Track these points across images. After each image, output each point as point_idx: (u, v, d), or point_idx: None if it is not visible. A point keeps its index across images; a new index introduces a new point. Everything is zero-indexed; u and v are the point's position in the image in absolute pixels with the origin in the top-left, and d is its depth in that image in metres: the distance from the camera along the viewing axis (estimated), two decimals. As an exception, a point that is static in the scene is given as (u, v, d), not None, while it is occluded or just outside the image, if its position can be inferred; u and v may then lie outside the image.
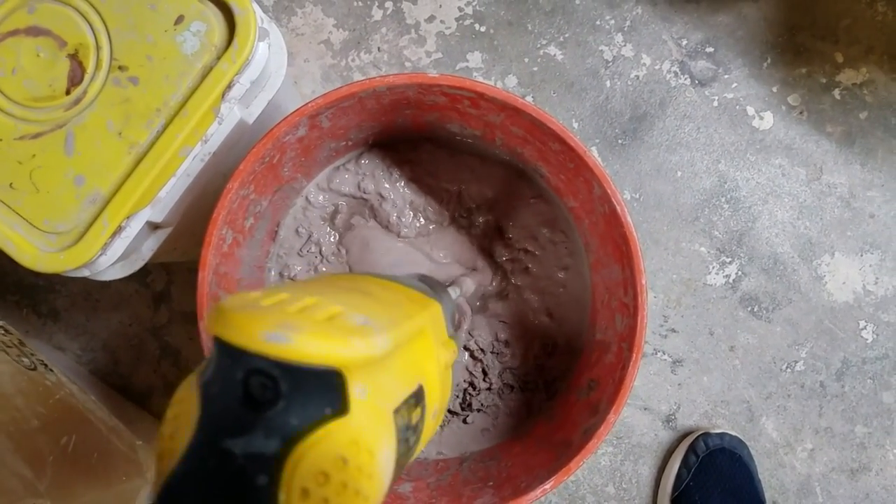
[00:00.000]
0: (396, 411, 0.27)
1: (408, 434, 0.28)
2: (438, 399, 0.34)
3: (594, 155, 0.67)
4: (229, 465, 0.21)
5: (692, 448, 0.80)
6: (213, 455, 0.22)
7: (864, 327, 0.83)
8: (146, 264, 0.59)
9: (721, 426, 0.82)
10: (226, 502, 0.21)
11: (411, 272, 0.59)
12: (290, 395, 0.22)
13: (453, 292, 0.51)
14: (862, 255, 0.83)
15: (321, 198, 0.66)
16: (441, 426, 0.66)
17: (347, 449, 0.23)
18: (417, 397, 0.30)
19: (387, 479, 0.25)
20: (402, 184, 0.66)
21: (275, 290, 0.26)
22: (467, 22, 0.83)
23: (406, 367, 0.29)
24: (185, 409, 0.23)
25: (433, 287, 0.40)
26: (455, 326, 0.41)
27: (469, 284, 0.58)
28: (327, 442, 0.22)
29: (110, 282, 0.82)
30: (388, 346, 0.26)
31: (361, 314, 0.26)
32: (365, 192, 0.66)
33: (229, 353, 0.22)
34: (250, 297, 0.24)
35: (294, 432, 0.22)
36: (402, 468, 0.29)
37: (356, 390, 0.24)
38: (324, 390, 0.23)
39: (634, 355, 0.52)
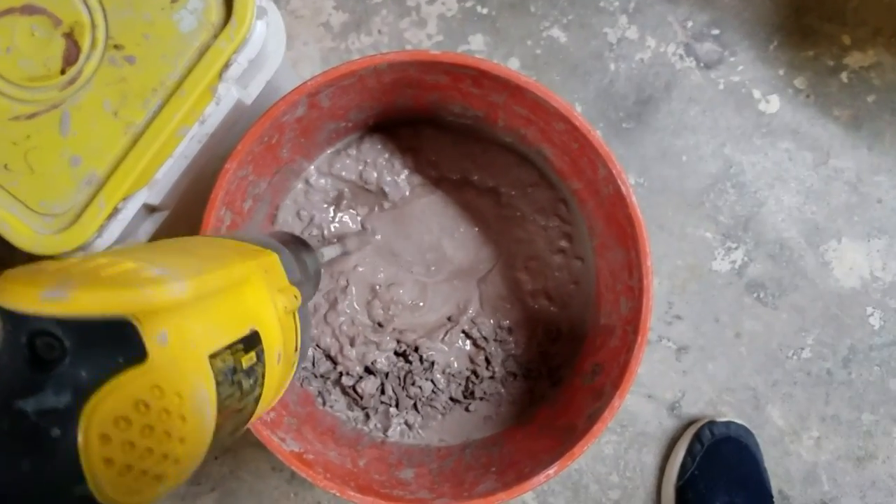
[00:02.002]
0: (215, 355, 0.27)
1: (237, 377, 0.29)
2: (280, 343, 0.34)
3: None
4: (23, 423, 0.22)
5: (697, 436, 0.79)
6: (6, 416, 0.22)
7: (872, 313, 0.82)
8: (144, 248, 0.58)
9: (726, 414, 0.81)
10: (23, 458, 0.22)
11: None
12: (77, 350, 0.23)
13: (331, 250, 0.55)
14: (869, 241, 0.82)
15: (322, 181, 0.65)
16: (442, 414, 0.65)
17: (148, 393, 0.23)
18: (249, 342, 0.31)
19: (207, 419, 0.26)
20: (405, 175, 0.65)
21: (74, 258, 0.26)
22: (469, 4, 0.82)
23: (227, 313, 0.30)
24: None
25: (284, 241, 0.42)
26: (309, 277, 0.44)
27: (329, 250, 0.58)
28: (124, 389, 0.23)
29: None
30: (188, 292, 0.27)
31: (160, 267, 0.27)
32: (367, 183, 0.65)
33: (11, 320, 0.23)
34: (38, 264, 0.25)
35: (86, 384, 0.22)
36: (246, 412, 0.31)
37: (156, 337, 0.24)
38: (113, 341, 0.23)
39: (640, 338, 0.51)
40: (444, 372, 0.65)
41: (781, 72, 0.82)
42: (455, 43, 0.82)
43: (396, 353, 0.66)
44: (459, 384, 0.65)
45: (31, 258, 0.52)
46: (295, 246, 0.44)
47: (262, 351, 0.32)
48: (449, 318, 0.66)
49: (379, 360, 0.64)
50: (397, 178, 0.65)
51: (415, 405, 0.65)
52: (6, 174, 0.53)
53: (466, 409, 0.66)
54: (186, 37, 0.52)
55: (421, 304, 0.66)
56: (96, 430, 0.22)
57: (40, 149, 0.52)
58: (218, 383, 0.27)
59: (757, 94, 0.82)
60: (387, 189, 0.65)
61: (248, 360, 0.30)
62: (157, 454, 0.24)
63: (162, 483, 0.25)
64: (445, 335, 0.65)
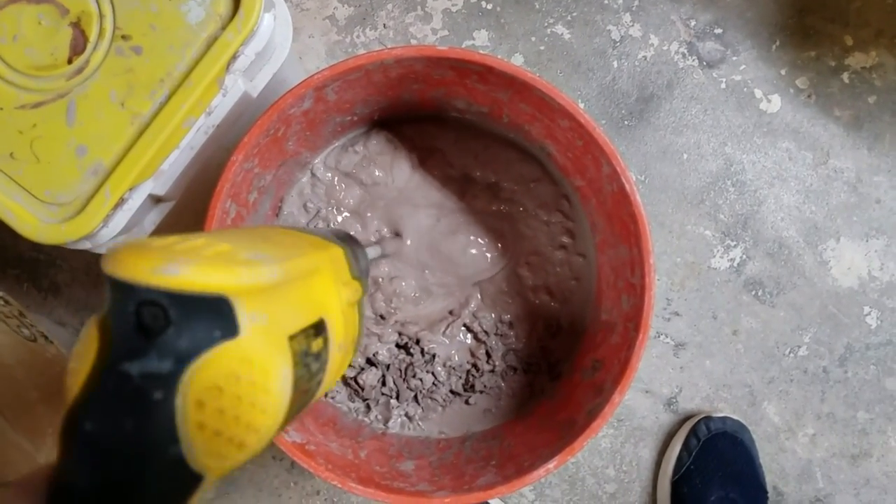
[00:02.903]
0: (293, 338, 0.30)
1: (308, 360, 0.31)
2: (342, 333, 0.37)
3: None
4: (127, 385, 0.24)
5: (693, 431, 0.79)
6: (112, 377, 0.24)
7: (869, 313, 0.82)
8: (148, 239, 0.58)
9: (723, 410, 0.82)
10: (126, 416, 0.23)
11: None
12: (180, 321, 0.24)
13: (373, 251, 0.58)
14: (867, 241, 0.82)
15: (329, 175, 0.65)
16: (442, 406, 0.66)
17: (240, 366, 0.25)
18: (318, 328, 0.33)
19: (285, 395, 0.28)
20: (409, 172, 0.66)
21: (172, 235, 0.28)
22: (474, -1, 0.82)
23: (303, 300, 0.33)
24: (86, 344, 0.25)
25: (343, 238, 0.44)
26: (364, 273, 0.46)
27: (373, 250, 0.62)
28: (219, 361, 0.25)
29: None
30: (279, 275, 0.29)
31: (252, 252, 0.29)
32: (372, 178, 0.65)
33: (122, 289, 0.24)
34: (140, 240, 0.26)
35: (186, 353, 0.24)
36: (310, 394, 0.33)
37: (247, 316, 0.26)
38: (213, 316, 0.25)
39: (641, 335, 0.52)
40: (444, 365, 0.65)
41: (783, 72, 0.82)
42: (460, 38, 0.82)
43: (398, 346, 0.66)
44: (460, 377, 0.66)
45: (36, 247, 0.53)
46: (351, 243, 0.46)
47: (328, 339, 0.34)
48: (450, 312, 0.67)
49: (380, 351, 0.65)
50: (402, 174, 0.65)
51: (415, 397, 0.65)
52: (12, 163, 0.53)
53: (466, 402, 0.66)
54: (194, 28, 0.53)
55: (423, 297, 0.67)
56: (193, 396, 0.24)
57: (46, 138, 0.53)
58: (294, 363, 0.29)
59: (758, 93, 0.82)
60: (391, 184, 0.65)
61: (316, 345, 0.33)
62: (242, 423, 0.26)
63: (242, 451, 0.26)
64: (447, 328, 0.66)
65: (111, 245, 0.25)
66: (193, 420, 0.24)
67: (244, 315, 0.26)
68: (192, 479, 0.25)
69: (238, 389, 0.25)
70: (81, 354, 0.25)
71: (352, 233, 0.62)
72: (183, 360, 0.24)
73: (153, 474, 0.24)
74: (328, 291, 0.36)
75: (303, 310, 0.32)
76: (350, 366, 0.65)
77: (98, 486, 0.24)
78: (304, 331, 0.31)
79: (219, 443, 0.25)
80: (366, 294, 0.46)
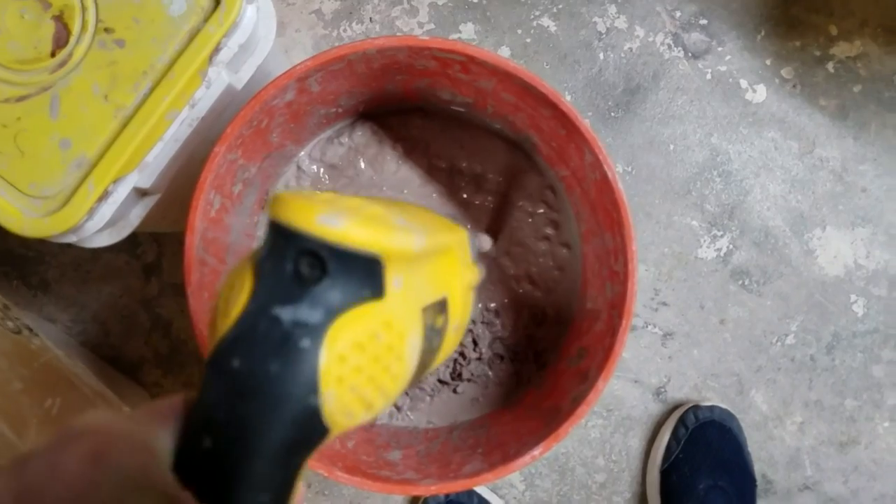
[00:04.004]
0: (424, 310, 0.30)
1: (432, 334, 0.32)
2: (460, 314, 0.38)
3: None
4: (278, 329, 0.24)
5: (682, 420, 0.80)
6: (264, 320, 0.25)
7: (855, 301, 0.83)
8: (137, 235, 0.58)
9: (711, 399, 0.82)
10: (273, 360, 0.24)
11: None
12: (335, 275, 0.25)
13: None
14: (853, 229, 0.83)
15: (314, 167, 0.65)
16: (430, 396, 0.66)
17: (381, 327, 0.26)
18: (442, 305, 0.34)
19: (412, 364, 0.29)
20: (396, 163, 0.66)
21: (328, 193, 0.29)
22: (460, -8, 0.82)
23: (435, 275, 0.33)
24: (239, 282, 0.26)
25: (467, 226, 0.46)
26: (480, 259, 0.48)
27: (485, 240, 0.64)
28: (365, 319, 0.25)
29: (101, 253, 0.81)
30: (423, 246, 0.30)
31: (400, 218, 0.30)
32: (358, 170, 0.65)
33: (284, 234, 0.25)
34: (305, 192, 0.27)
35: (336, 307, 0.25)
36: (425, 368, 0.33)
37: (393, 280, 0.27)
38: (365, 274, 0.26)
39: (624, 322, 0.52)
40: (431, 355, 0.66)
41: (768, 62, 0.83)
42: (446, 31, 0.82)
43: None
44: (447, 366, 0.66)
45: (24, 244, 0.53)
46: (472, 232, 0.48)
47: (448, 318, 0.35)
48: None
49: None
50: (388, 166, 0.66)
51: (403, 388, 0.66)
52: (-4, 157, 0.53)
53: (454, 391, 0.66)
54: (176, 20, 0.53)
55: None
56: (337, 349, 0.25)
57: (30, 131, 0.53)
58: (423, 335, 0.30)
59: (744, 83, 0.82)
60: (377, 177, 0.66)
61: (440, 321, 0.34)
62: (375, 383, 0.26)
63: (369, 411, 0.27)
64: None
65: (277, 194, 0.26)
66: (335, 373, 0.25)
67: (391, 278, 0.27)
68: (321, 431, 0.26)
69: (377, 350, 0.26)
70: (233, 292, 0.26)
71: None
72: (332, 313, 0.25)
73: (289, 417, 0.24)
74: (454, 271, 0.37)
75: (434, 285, 0.33)
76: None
77: (236, 421, 0.24)
78: (434, 305, 0.32)
79: (352, 399, 0.26)
80: (482, 279, 0.46)
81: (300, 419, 0.25)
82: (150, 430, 0.25)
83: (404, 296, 0.28)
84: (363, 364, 0.25)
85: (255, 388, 0.24)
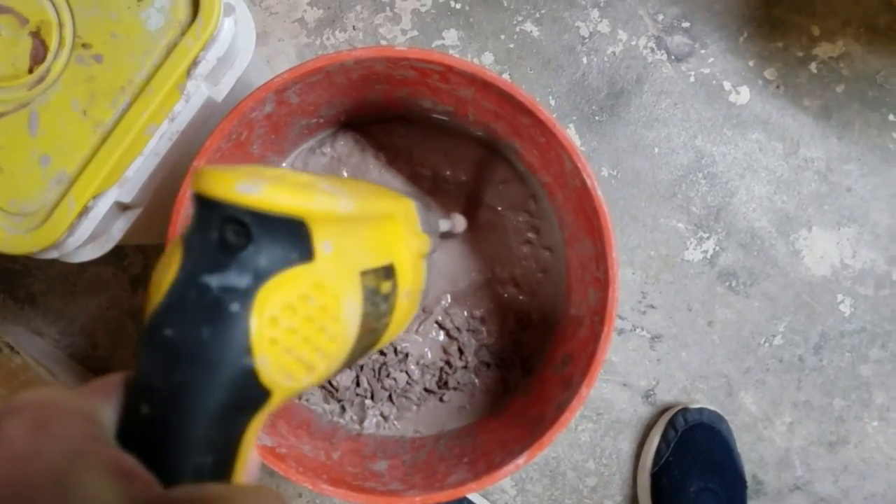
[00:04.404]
0: (364, 274, 0.31)
1: (377, 299, 0.33)
2: (411, 281, 0.39)
3: (566, 129, 0.67)
4: (207, 296, 0.25)
5: (671, 423, 0.80)
6: (193, 288, 0.25)
7: (842, 301, 0.83)
8: (122, 247, 0.58)
9: (700, 401, 0.83)
10: (204, 325, 0.25)
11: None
12: (260, 240, 0.25)
13: (446, 223, 0.60)
14: (839, 229, 0.83)
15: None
16: (417, 405, 0.66)
17: (313, 290, 0.27)
18: (387, 271, 0.35)
19: (352, 325, 0.30)
20: (378, 173, 0.66)
21: (252, 165, 0.29)
22: (442, -1, 0.82)
23: (375, 241, 0.35)
24: (170, 258, 0.26)
25: (417, 197, 0.47)
26: (434, 231, 0.48)
27: (459, 220, 0.64)
28: (294, 281, 0.26)
29: (87, 266, 0.81)
30: (351, 210, 0.30)
31: (330, 185, 0.30)
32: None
33: (207, 205, 0.25)
34: (229, 166, 0.28)
35: (264, 271, 0.25)
36: (376, 334, 0.35)
37: (322, 244, 0.27)
38: (291, 238, 0.26)
39: (606, 328, 0.52)
40: (418, 363, 0.66)
41: (751, 63, 0.83)
42: (429, 38, 0.82)
43: (371, 346, 0.66)
44: (433, 375, 0.66)
45: (10, 258, 0.53)
46: (424, 203, 0.48)
47: (397, 284, 0.36)
48: (423, 309, 0.67)
49: (353, 353, 0.65)
50: (371, 174, 0.66)
51: (390, 396, 0.66)
52: (-24, 174, 0.53)
53: (441, 400, 0.66)
54: (153, 35, 0.53)
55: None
56: (268, 311, 0.25)
57: (9, 148, 0.53)
58: (364, 298, 0.31)
59: (727, 85, 0.83)
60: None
61: (385, 287, 0.35)
62: (312, 344, 0.27)
63: (311, 373, 0.27)
64: (419, 326, 0.66)
65: (200, 168, 0.26)
66: (267, 335, 0.25)
67: (320, 242, 0.27)
68: (262, 393, 0.26)
69: (310, 311, 0.27)
70: (165, 267, 0.26)
71: None
72: (260, 277, 0.25)
73: (225, 380, 0.25)
74: (399, 238, 0.39)
75: (375, 250, 0.34)
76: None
77: (174, 386, 0.25)
78: (375, 270, 0.33)
79: (289, 361, 0.26)
80: (433, 251, 0.48)
81: (236, 382, 0.25)
82: (94, 401, 0.25)
83: (336, 259, 0.28)
84: (296, 325, 0.26)
85: (188, 354, 0.25)
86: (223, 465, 0.26)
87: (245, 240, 0.25)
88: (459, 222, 0.64)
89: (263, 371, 0.26)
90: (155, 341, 0.25)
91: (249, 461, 0.27)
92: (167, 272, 0.26)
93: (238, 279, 0.25)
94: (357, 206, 0.31)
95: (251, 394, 0.26)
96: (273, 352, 0.26)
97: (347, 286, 0.29)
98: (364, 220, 0.33)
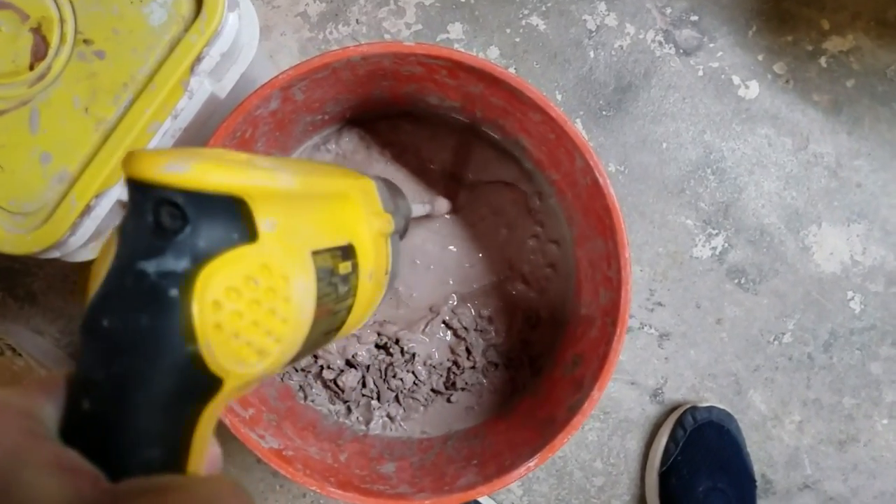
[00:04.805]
0: (316, 253, 0.30)
1: (334, 280, 0.32)
2: (373, 262, 0.38)
3: (576, 125, 0.66)
4: (144, 282, 0.24)
5: (680, 422, 0.79)
6: (130, 275, 0.24)
7: (852, 298, 0.82)
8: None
9: (708, 399, 0.82)
10: (142, 313, 0.24)
11: None
12: (197, 221, 0.24)
13: (422, 208, 0.59)
14: (849, 225, 0.82)
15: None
16: (424, 406, 0.65)
17: (258, 271, 0.26)
18: (345, 251, 0.34)
19: (306, 306, 0.28)
20: (384, 170, 0.65)
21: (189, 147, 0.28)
22: (447, -8, 0.81)
23: (328, 221, 0.33)
24: (108, 247, 0.25)
25: (380, 179, 0.45)
26: (399, 211, 0.47)
27: (441, 204, 0.63)
28: (236, 263, 0.25)
29: (88, 264, 0.80)
30: (292, 185, 0.29)
31: (271, 162, 0.29)
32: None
33: (139, 189, 0.24)
34: (162, 148, 0.27)
35: (203, 253, 0.24)
36: (339, 317, 0.34)
37: (266, 222, 0.26)
38: (229, 217, 0.25)
39: (619, 330, 0.51)
40: (425, 363, 0.65)
41: (760, 57, 0.82)
42: (434, 31, 0.81)
43: (377, 346, 0.65)
44: (441, 375, 0.65)
45: (10, 256, 0.52)
46: (389, 185, 0.47)
47: (357, 265, 0.35)
48: (430, 309, 0.66)
49: (360, 353, 0.64)
50: (377, 172, 0.65)
51: (396, 397, 0.65)
52: (-25, 172, 0.52)
53: (448, 400, 0.65)
54: (156, 30, 0.52)
55: (401, 295, 0.66)
56: (210, 295, 0.24)
57: (10, 146, 0.52)
58: (318, 279, 0.30)
59: (736, 79, 0.82)
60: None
61: (344, 267, 0.33)
62: (262, 328, 0.26)
63: (264, 358, 0.26)
64: (426, 326, 0.65)
65: (133, 150, 0.26)
66: (210, 320, 0.24)
67: (263, 220, 0.26)
68: (211, 381, 0.25)
69: (256, 294, 0.26)
70: (102, 257, 0.25)
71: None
72: (199, 260, 0.24)
73: (167, 369, 0.24)
74: (358, 218, 0.37)
75: (329, 229, 0.33)
76: (329, 367, 0.64)
77: (114, 378, 0.24)
78: (331, 251, 0.32)
79: (238, 345, 0.25)
80: (399, 231, 0.46)
81: (180, 370, 0.24)
82: (34, 399, 0.25)
83: (283, 237, 0.27)
84: (242, 309, 0.25)
85: (128, 343, 0.24)
86: (174, 458, 0.25)
87: (180, 222, 0.24)
88: (441, 205, 0.63)
89: (209, 357, 0.25)
90: (93, 333, 0.24)
91: (208, 452, 0.26)
92: (104, 261, 0.25)
93: (175, 263, 0.24)
94: (300, 182, 0.30)
95: (199, 382, 0.25)
96: (219, 337, 0.25)
97: (297, 266, 0.28)
98: (312, 197, 0.32)
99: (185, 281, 0.24)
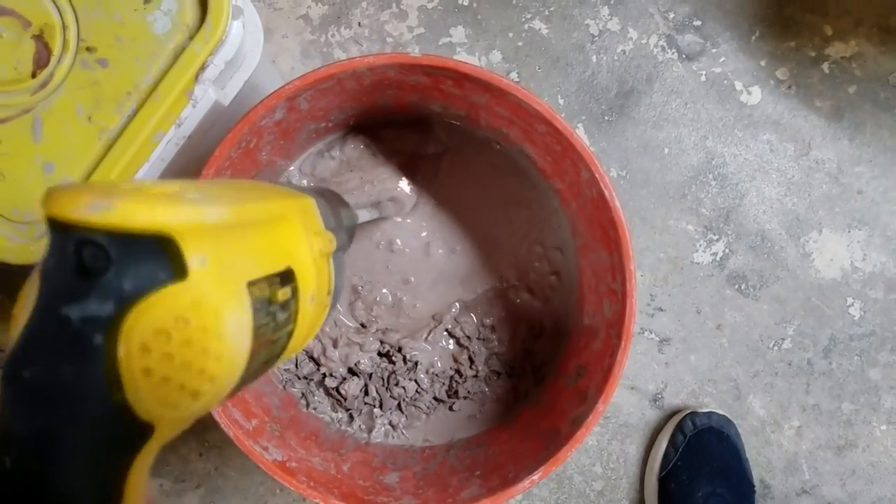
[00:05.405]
0: (252, 284, 0.29)
1: (272, 309, 0.30)
2: (314, 284, 0.36)
3: (582, 137, 0.66)
4: (67, 329, 0.23)
5: (679, 427, 0.79)
6: (52, 321, 0.23)
7: (852, 304, 0.82)
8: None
9: (708, 405, 0.82)
10: (65, 363, 0.23)
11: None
12: (121, 262, 0.23)
13: (367, 213, 0.57)
14: (850, 232, 0.82)
15: (304, 182, 0.64)
16: (427, 414, 0.65)
17: (188, 310, 0.24)
18: (284, 277, 0.32)
19: (241, 342, 0.27)
20: (387, 177, 0.64)
21: (111, 180, 0.27)
22: (450, -5, 0.81)
23: (265, 247, 0.32)
24: (29, 289, 0.24)
25: (320, 192, 0.44)
26: (342, 227, 0.45)
27: (393, 206, 0.62)
28: (165, 303, 0.24)
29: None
30: (223, 217, 0.28)
31: (201, 192, 0.28)
32: (348, 184, 0.64)
33: (60, 228, 0.23)
34: (82, 182, 0.26)
35: (128, 295, 0.23)
36: (279, 345, 0.32)
37: (196, 258, 0.25)
38: (156, 256, 0.24)
39: (623, 343, 0.51)
40: (427, 372, 0.65)
41: (763, 63, 0.81)
42: (436, 35, 0.81)
43: (380, 354, 0.65)
44: (443, 384, 0.65)
45: (8, 268, 0.51)
46: (331, 197, 0.45)
47: (297, 289, 0.33)
48: (433, 317, 0.66)
49: (362, 361, 0.64)
50: (380, 179, 0.64)
51: (399, 405, 0.65)
52: (-23, 181, 0.51)
53: (451, 409, 0.65)
54: (160, 38, 0.51)
55: (404, 303, 0.66)
56: (137, 340, 0.23)
57: (12, 155, 0.51)
58: (255, 310, 0.28)
59: (738, 85, 0.81)
60: (369, 190, 0.64)
61: (283, 294, 0.32)
62: (194, 369, 0.25)
63: (197, 399, 0.25)
64: (429, 335, 0.65)
65: (53, 186, 0.25)
66: (138, 366, 0.23)
67: (193, 257, 0.25)
68: (141, 429, 0.24)
69: (187, 334, 0.24)
70: (24, 301, 0.24)
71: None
72: (124, 302, 0.23)
73: (94, 421, 0.23)
74: (297, 241, 0.35)
75: (265, 256, 0.31)
76: (332, 376, 0.64)
77: (36, 432, 0.23)
78: (268, 278, 0.30)
79: (169, 390, 0.24)
80: (342, 248, 0.44)
81: (107, 421, 0.23)
82: None
83: (215, 272, 0.26)
84: (173, 351, 0.24)
85: (50, 395, 0.23)
86: None
87: (104, 263, 0.23)
88: (391, 207, 0.61)
89: (138, 405, 0.24)
90: (14, 384, 0.23)
91: (144, 499, 0.25)
92: (25, 306, 0.24)
93: (99, 307, 0.23)
94: (232, 212, 0.29)
95: (128, 431, 0.24)
96: (148, 383, 0.24)
97: (230, 301, 0.27)
98: (247, 225, 0.30)
99: (110, 326, 0.23)
